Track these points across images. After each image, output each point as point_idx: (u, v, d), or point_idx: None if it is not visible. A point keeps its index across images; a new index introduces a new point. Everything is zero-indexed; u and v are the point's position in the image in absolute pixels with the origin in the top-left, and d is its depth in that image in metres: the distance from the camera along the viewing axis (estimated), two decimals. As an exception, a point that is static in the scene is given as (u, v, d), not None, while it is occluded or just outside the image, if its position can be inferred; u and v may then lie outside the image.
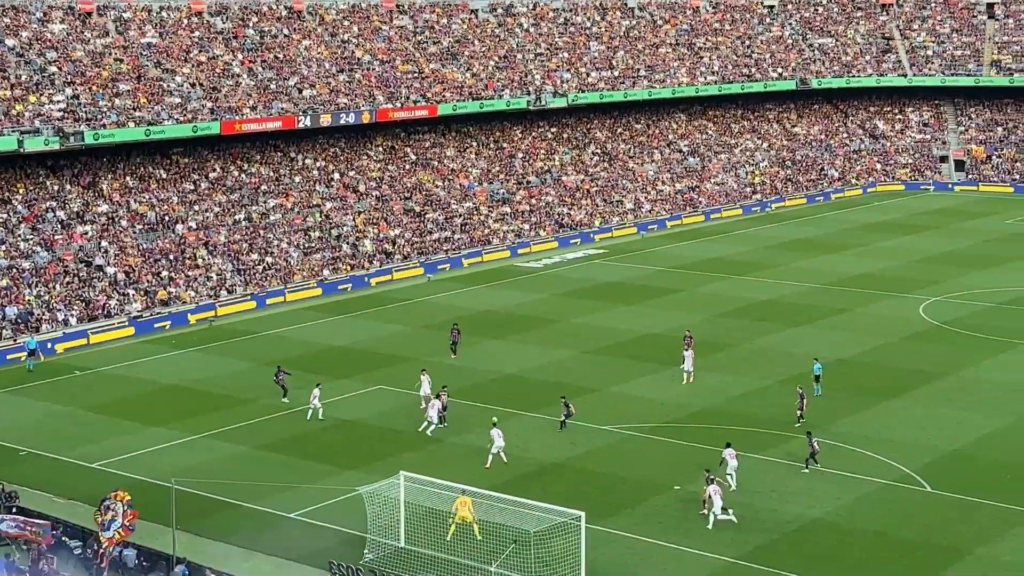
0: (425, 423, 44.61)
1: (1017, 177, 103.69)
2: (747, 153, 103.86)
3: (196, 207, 72.27)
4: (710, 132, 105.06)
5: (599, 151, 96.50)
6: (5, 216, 65.45)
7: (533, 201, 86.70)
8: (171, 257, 67.48)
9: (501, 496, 35.26)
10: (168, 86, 74.13)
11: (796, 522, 36.69)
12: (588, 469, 40.44)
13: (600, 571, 33.34)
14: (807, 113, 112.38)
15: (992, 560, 33.95)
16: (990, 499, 37.94)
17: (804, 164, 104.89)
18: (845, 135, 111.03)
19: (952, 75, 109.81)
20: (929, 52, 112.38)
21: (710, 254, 77.76)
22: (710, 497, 36.37)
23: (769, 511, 37.44)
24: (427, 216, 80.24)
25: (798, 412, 44.37)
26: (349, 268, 72.41)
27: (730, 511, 36.43)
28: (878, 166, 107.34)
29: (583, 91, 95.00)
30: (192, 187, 73.83)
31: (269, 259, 70.42)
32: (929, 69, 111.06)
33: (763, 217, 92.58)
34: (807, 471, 40.09)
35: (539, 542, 33.03)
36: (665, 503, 38.12)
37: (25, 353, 55.26)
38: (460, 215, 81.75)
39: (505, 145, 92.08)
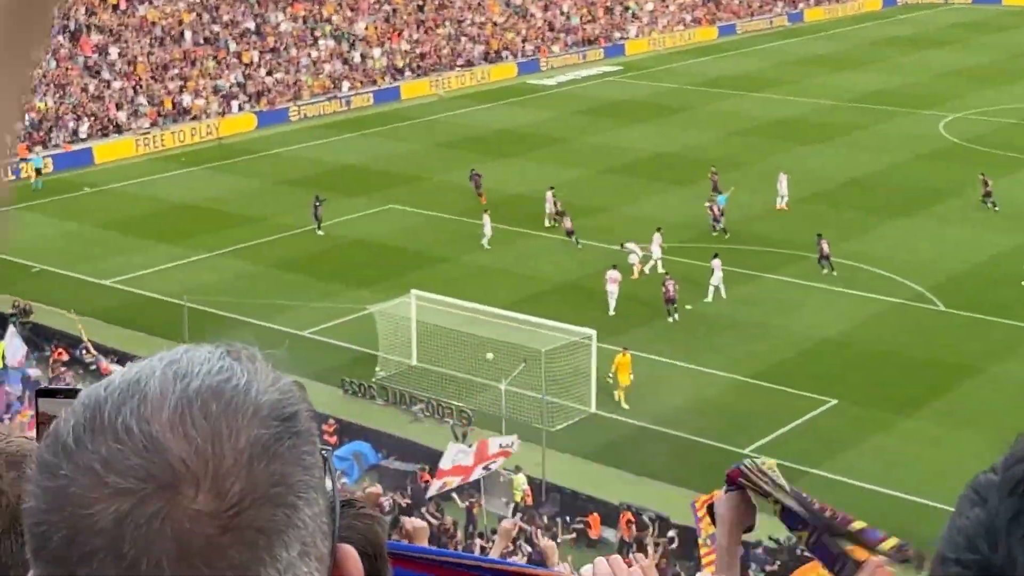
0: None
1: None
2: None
3: (204, 17, 70.84)
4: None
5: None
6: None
7: (548, 14, 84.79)
8: (179, 69, 66.43)
9: (512, 315, 35.30)
10: None
11: (808, 341, 36.71)
12: (599, 289, 40.19)
13: (611, 390, 33.51)
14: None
15: (1004, 376, 34.01)
16: (1003, 317, 37.84)
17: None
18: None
19: None
20: None
21: (726, 71, 76.28)
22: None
23: (781, 329, 37.44)
24: (438, 31, 78.61)
25: (715, 224, 45.36)
26: (360, 83, 71.30)
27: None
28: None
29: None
30: None
31: (279, 75, 69.29)
32: None
33: (781, 32, 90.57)
34: (835, 274, 40.53)
35: (550, 361, 33.14)
36: (677, 322, 38.12)
37: (34, 171, 54.67)
38: (474, 24, 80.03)
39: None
